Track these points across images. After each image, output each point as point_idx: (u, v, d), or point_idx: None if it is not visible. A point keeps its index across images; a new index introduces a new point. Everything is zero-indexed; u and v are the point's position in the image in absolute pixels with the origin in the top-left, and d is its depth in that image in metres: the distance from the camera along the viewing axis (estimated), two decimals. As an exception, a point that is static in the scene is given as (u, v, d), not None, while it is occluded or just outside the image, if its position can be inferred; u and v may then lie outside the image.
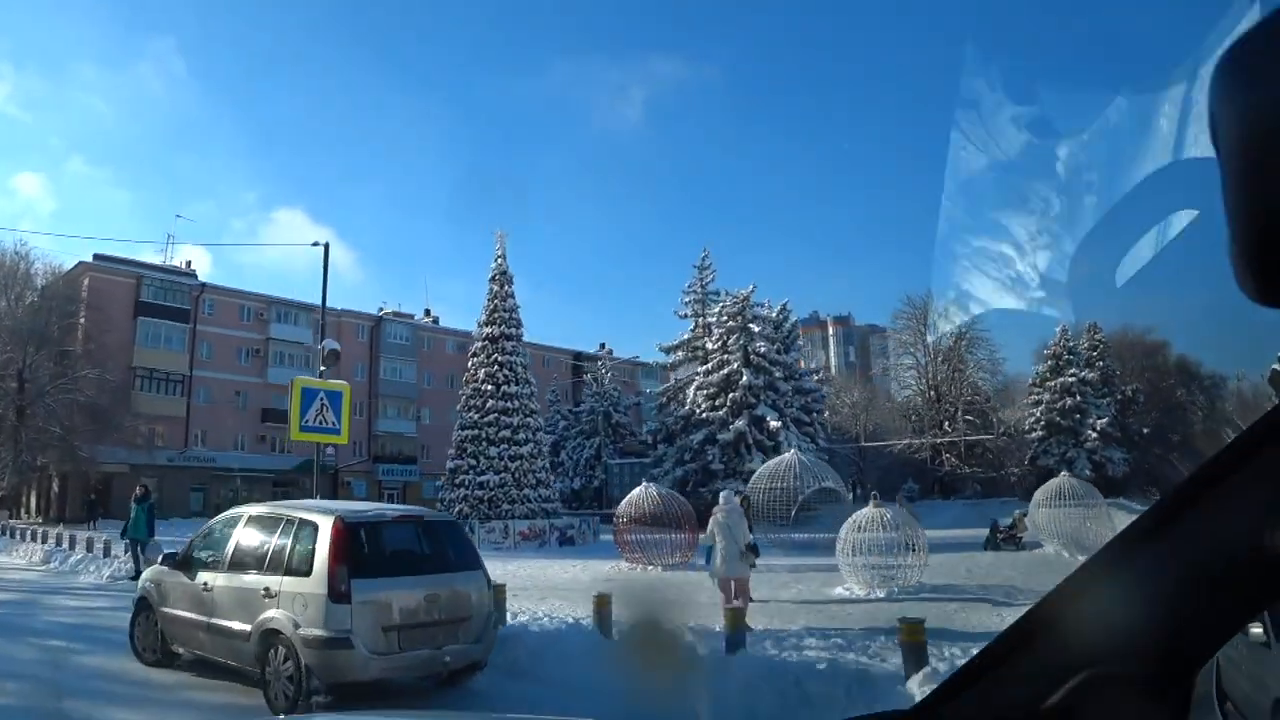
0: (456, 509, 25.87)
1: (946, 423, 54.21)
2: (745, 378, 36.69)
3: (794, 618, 11.03)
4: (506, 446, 27.30)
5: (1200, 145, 0.68)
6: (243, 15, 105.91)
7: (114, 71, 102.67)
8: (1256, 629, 3.74)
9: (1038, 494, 25.46)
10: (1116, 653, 0.74)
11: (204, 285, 47.42)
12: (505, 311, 28.87)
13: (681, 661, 7.07)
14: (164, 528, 18.44)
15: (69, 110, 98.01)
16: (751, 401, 36.79)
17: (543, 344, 52.80)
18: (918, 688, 5.74)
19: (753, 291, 38.79)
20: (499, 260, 29.26)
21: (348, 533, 6.13)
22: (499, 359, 28.17)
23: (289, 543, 6.41)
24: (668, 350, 42.10)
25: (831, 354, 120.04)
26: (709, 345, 39.45)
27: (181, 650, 7.53)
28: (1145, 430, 52.45)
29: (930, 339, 55.51)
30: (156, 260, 46.39)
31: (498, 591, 7.77)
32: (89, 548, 19.08)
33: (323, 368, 12.51)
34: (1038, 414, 50.06)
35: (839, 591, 14.16)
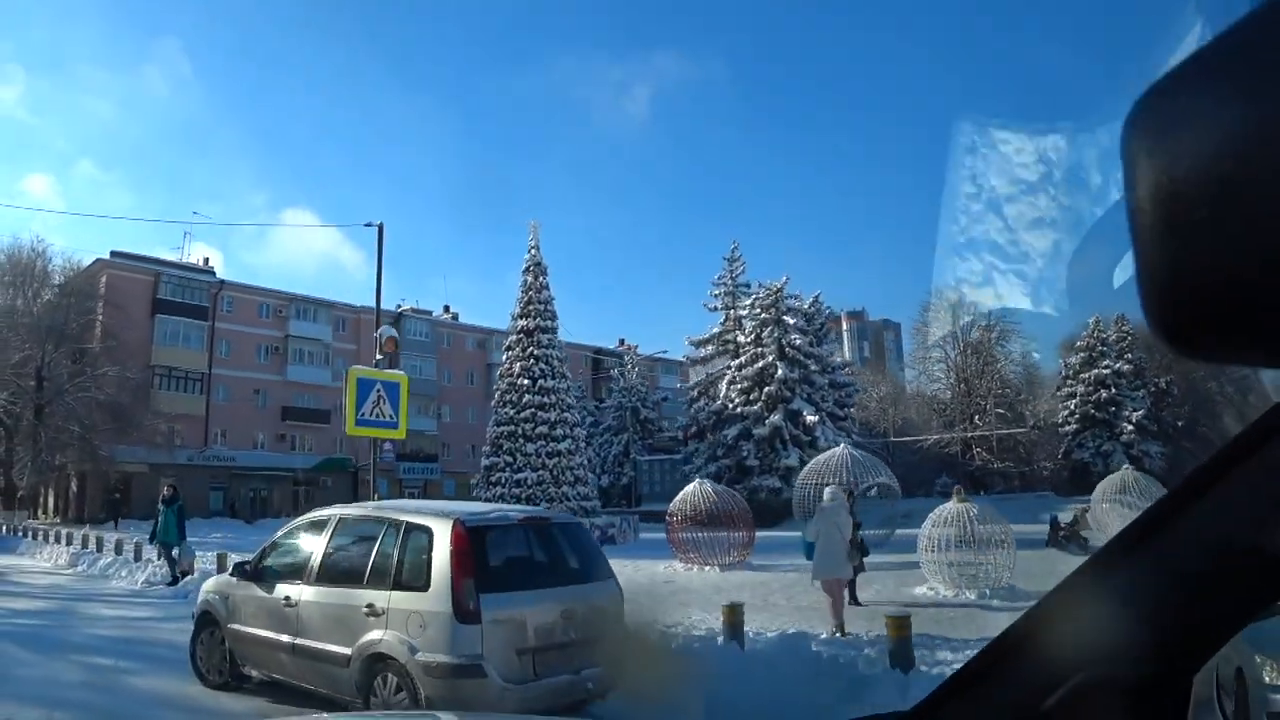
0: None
1: (977, 416, 52.91)
2: (780, 371, 35.64)
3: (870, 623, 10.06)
4: (544, 443, 26.29)
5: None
6: (246, 16, 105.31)
7: (120, 74, 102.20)
8: None
9: (1100, 488, 24.36)
10: (1113, 656, 0.73)
11: (222, 282, 46.55)
12: (540, 304, 27.81)
13: (843, 682, 6.07)
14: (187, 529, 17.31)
15: (76, 113, 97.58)
16: (786, 395, 35.74)
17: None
18: None
19: (786, 283, 37.75)
20: (532, 251, 28.15)
21: (471, 539, 5.11)
22: (535, 352, 27.12)
23: (396, 551, 5.39)
24: (697, 344, 41.08)
25: (846, 349, 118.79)
26: (740, 338, 38.42)
27: (254, 672, 6.54)
28: (1179, 423, 51.26)
29: (959, 331, 54.40)
30: (173, 257, 45.71)
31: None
32: (118, 550, 18.19)
33: (379, 356, 11.57)
34: (1072, 406, 48.98)
35: (924, 592, 13.26)
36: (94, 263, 41.13)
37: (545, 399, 26.76)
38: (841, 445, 24.22)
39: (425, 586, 5.07)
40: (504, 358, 28.77)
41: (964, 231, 1.37)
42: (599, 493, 40.09)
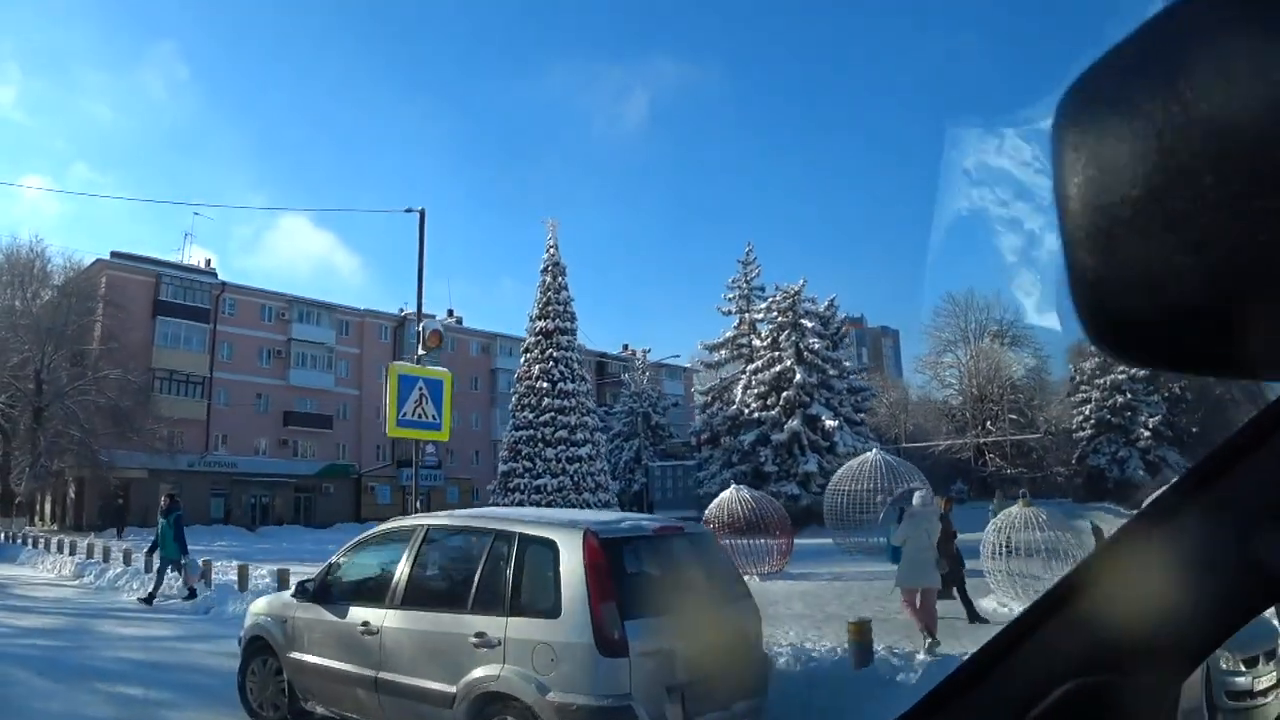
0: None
1: (989, 421, 52.21)
2: (798, 375, 34.86)
3: (979, 636, 9.18)
4: (564, 448, 25.38)
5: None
6: (244, 19, 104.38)
7: (117, 76, 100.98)
8: None
9: (1152, 498, 23.76)
10: (1103, 661, 0.72)
11: (224, 284, 45.50)
12: (559, 304, 26.88)
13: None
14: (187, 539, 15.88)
15: (73, 115, 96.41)
16: (805, 400, 34.95)
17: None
18: None
19: (803, 285, 36.98)
20: (551, 250, 27.21)
21: (608, 555, 4.26)
22: (554, 354, 26.20)
23: (509, 568, 4.53)
24: (711, 348, 40.23)
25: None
26: (756, 342, 37.63)
27: (320, 709, 5.67)
28: (1194, 430, 50.73)
29: (970, 336, 53.82)
30: (174, 258, 44.71)
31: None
32: (126, 560, 17.22)
33: (421, 351, 10.72)
34: (1086, 412, 48.35)
35: (991, 606, 12.39)
36: (94, 263, 40.11)
37: (565, 402, 25.86)
38: (874, 451, 23.42)
39: (554, 612, 4.22)
40: (521, 360, 27.85)
41: (965, 236, 1.33)
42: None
